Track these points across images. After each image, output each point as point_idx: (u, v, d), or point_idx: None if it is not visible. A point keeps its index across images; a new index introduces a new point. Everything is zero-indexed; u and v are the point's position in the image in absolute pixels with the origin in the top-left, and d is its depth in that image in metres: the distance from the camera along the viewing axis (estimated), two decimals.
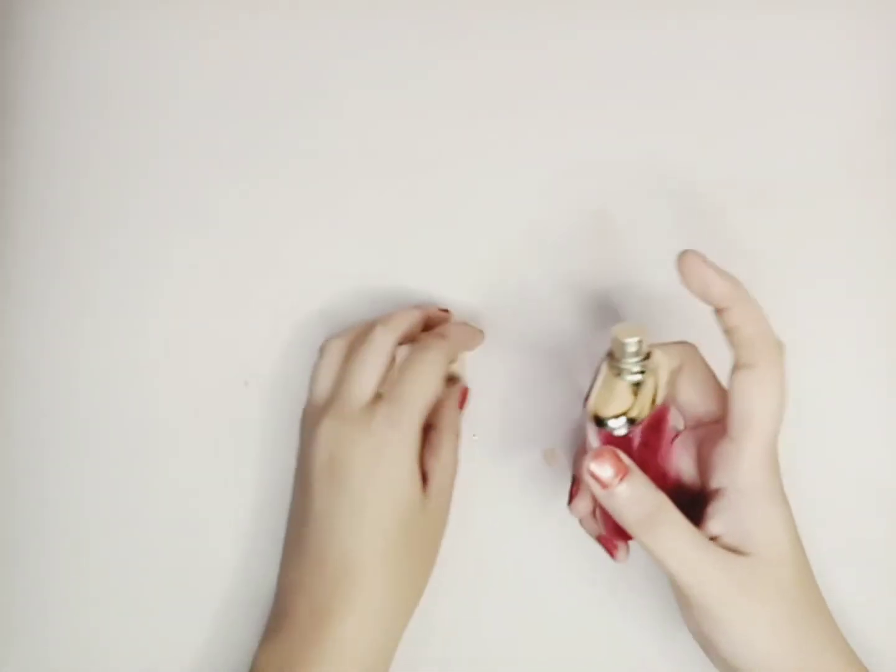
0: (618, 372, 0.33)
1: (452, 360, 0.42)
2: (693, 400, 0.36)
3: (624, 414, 0.32)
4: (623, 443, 0.33)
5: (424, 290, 0.47)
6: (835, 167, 0.48)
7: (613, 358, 0.33)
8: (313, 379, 0.42)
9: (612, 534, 0.38)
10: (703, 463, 0.36)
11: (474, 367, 0.46)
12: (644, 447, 0.34)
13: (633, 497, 0.32)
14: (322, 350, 0.42)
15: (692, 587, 0.33)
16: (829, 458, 0.45)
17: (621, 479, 0.32)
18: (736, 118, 0.49)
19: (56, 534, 0.45)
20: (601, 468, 0.32)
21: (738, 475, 0.33)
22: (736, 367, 0.33)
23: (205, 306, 0.47)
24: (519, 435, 0.44)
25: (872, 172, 0.48)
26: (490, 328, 0.46)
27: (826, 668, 0.34)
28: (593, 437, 0.34)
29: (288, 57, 0.49)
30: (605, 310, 0.46)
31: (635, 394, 0.33)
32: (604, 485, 0.32)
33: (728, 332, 0.34)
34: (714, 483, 0.34)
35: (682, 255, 0.33)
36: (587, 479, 0.33)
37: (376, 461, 0.37)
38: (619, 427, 0.32)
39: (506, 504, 0.45)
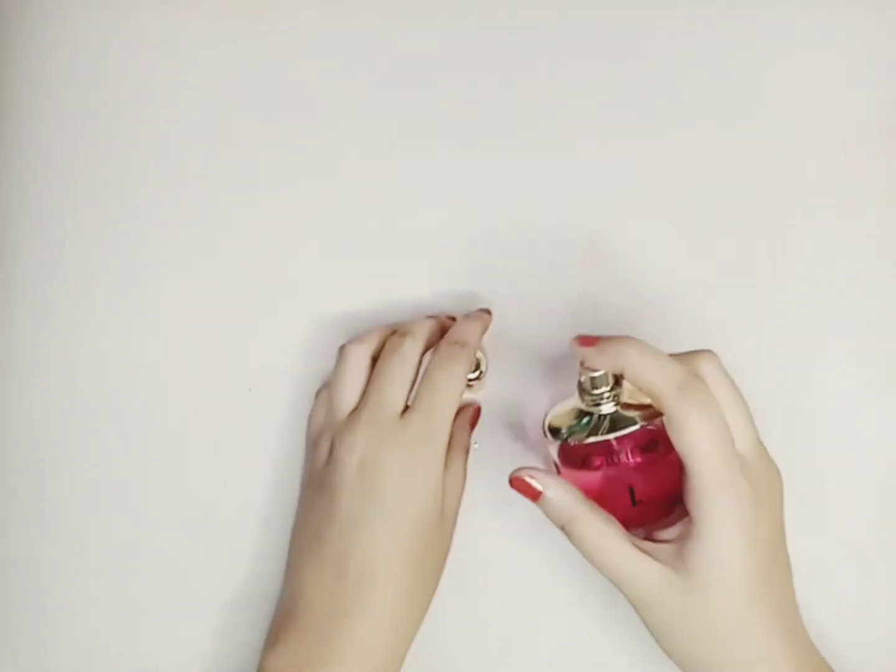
0: (580, 394, 0.38)
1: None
2: None
3: (567, 429, 0.38)
4: (575, 451, 0.38)
5: (426, 295, 0.47)
6: (835, 167, 0.49)
7: (581, 385, 0.38)
8: (336, 383, 0.41)
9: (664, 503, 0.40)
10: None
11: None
12: (641, 468, 0.38)
13: (551, 509, 0.37)
14: (343, 354, 0.42)
15: (625, 590, 0.36)
16: (829, 457, 0.46)
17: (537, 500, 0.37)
18: (736, 119, 0.49)
19: (58, 535, 0.45)
20: (522, 487, 0.38)
21: (688, 502, 0.35)
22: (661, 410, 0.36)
23: (208, 312, 0.47)
24: (519, 443, 0.44)
25: (872, 173, 0.49)
26: (491, 336, 0.46)
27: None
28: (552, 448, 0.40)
29: (290, 57, 0.50)
30: (606, 317, 0.46)
31: (584, 414, 0.38)
32: (531, 497, 0.38)
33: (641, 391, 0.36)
34: (685, 503, 0.36)
35: (572, 343, 0.38)
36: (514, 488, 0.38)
37: (408, 472, 0.38)
38: (560, 438, 0.38)
39: (506, 512, 0.45)
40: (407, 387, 0.40)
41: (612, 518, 0.37)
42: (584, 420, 0.38)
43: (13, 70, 0.49)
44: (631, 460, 0.38)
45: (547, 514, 0.37)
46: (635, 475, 0.38)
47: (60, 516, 0.45)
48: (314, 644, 0.37)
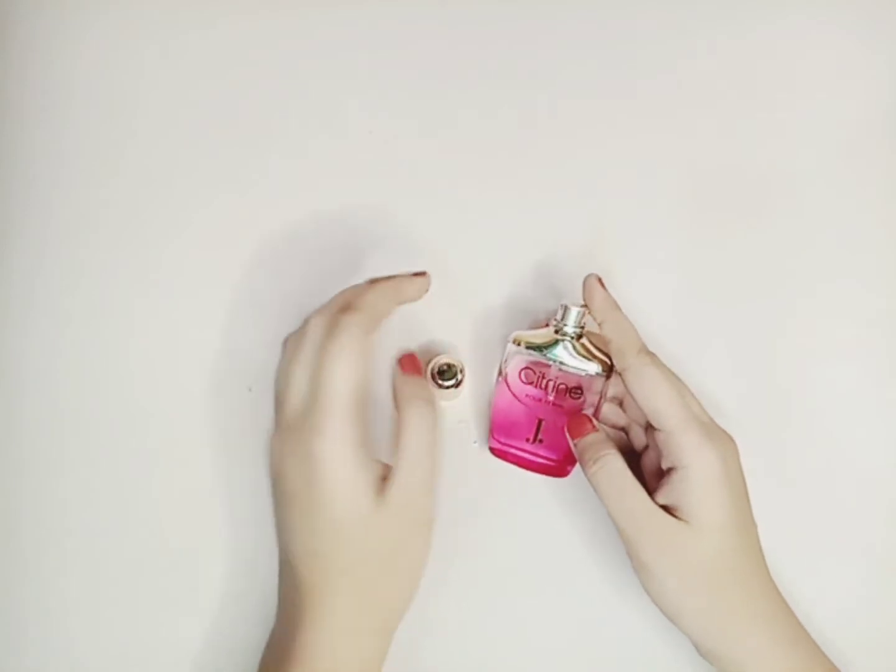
0: (555, 327, 0.41)
1: (373, 329, 0.38)
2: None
3: (531, 344, 0.41)
4: (519, 363, 0.42)
5: (427, 298, 0.46)
6: (835, 167, 0.49)
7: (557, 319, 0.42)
8: (284, 378, 0.39)
9: (564, 460, 0.44)
10: (660, 453, 0.40)
11: (475, 374, 0.46)
12: (555, 404, 0.42)
13: (587, 444, 0.39)
14: (283, 346, 0.40)
15: (628, 535, 0.38)
16: (830, 458, 0.46)
17: (585, 434, 0.40)
18: (736, 118, 0.49)
19: (58, 535, 0.45)
20: (577, 428, 0.40)
21: (675, 455, 0.38)
22: (621, 376, 0.39)
23: (208, 312, 0.47)
24: None
25: (872, 172, 0.49)
26: (492, 335, 0.46)
27: (749, 630, 0.37)
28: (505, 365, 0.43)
29: (293, 59, 0.50)
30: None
31: (552, 338, 0.41)
32: (573, 435, 0.40)
33: (607, 343, 0.40)
34: (665, 465, 0.39)
35: (587, 276, 0.41)
36: (568, 436, 0.40)
37: (309, 473, 0.35)
38: (518, 351, 0.42)
39: (506, 509, 0.45)
40: (305, 378, 0.37)
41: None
42: (543, 342, 0.41)
43: (14, 73, 0.49)
44: (553, 397, 0.42)
45: (584, 449, 0.39)
46: (549, 412, 0.42)
47: (60, 516, 0.45)
48: (277, 649, 0.38)
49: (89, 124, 0.49)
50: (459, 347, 0.46)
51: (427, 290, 0.41)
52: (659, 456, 0.41)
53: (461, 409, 0.46)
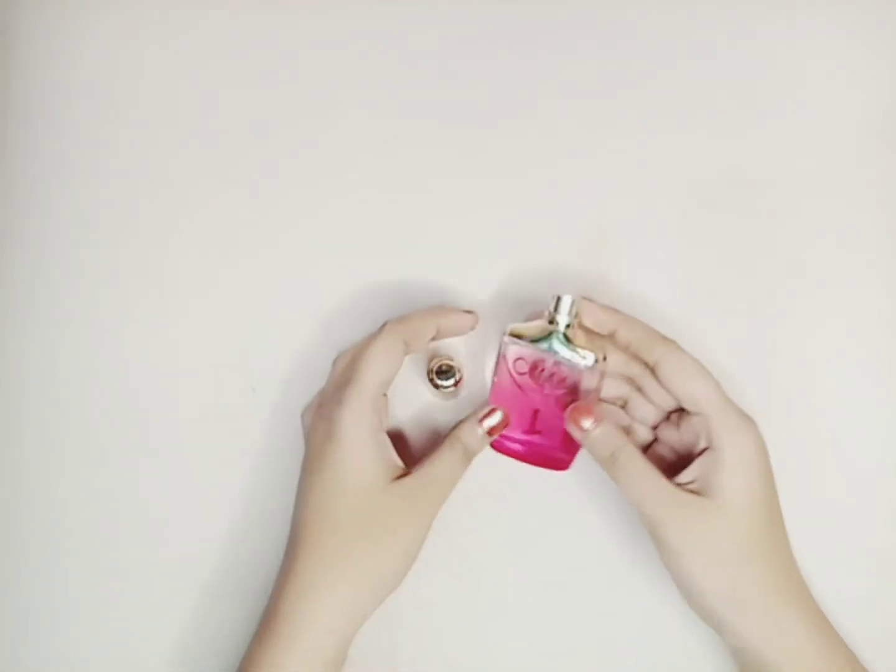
0: (549, 319, 0.42)
1: (414, 342, 0.42)
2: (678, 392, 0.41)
3: (525, 336, 0.41)
4: (514, 353, 0.42)
5: (426, 296, 0.47)
6: (835, 167, 0.49)
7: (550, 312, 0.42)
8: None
9: (562, 451, 0.43)
10: (691, 436, 0.41)
11: (479, 374, 0.46)
12: (551, 396, 0.42)
13: (599, 438, 0.40)
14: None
15: (652, 517, 0.38)
16: (829, 458, 0.46)
17: (596, 424, 0.40)
18: (736, 119, 0.49)
19: (57, 535, 0.45)
20: (583, 417, 0.40)
21: (710, 436, 0.39)
22: (653, 369, 0.41)
23: (212, 312, 0.47)
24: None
25: (872, 172, 0.49)
26: (493, 337, 0.46)
27: (775, 608, 0.38)
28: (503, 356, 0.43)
29: (292, 58, 0.50)
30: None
31: (546, 329, 0.41)
32: (581, 429, 0.40)
33: (626, 348, 0.42)
34: (697, 448, 0.41)
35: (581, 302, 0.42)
36: (569, 425, 0.41)
37: (326, 441, 0.39)
38: (513, 342, 0.42)
39: (505, 509, 0.45)
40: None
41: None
42: (538, 333, 0.41)
43: (15, 75, 0.50)
44: (549, 387, 0.42)
45: (595, 446, 0.40)
46: (545, 403, 0.42)
47: (61, 515, 0.45)
48: (265, 616, 0.39)
49: (90, 124, 0.49)
50: (459, 347, 0.47)
51: (473, 328, 0.44)
52: (673, 448, 0.42)
53: (461, 411, 0.45)
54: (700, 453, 0.40)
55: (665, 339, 0.41)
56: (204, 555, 0.45)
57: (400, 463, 0.40)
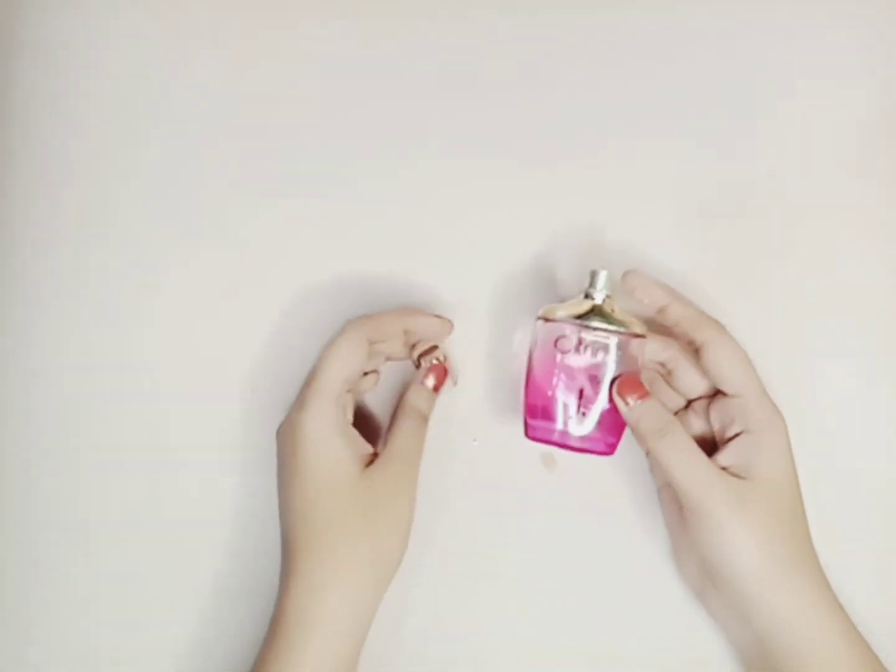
0: (586, 294, 0.41)
1: (379, 340, 0.43)
2: (720, 375, 0.42)
3: (562, 313, 0.41)
4: (555, 331, 0.41)
5: (426, 296, 0.48)
6: (835, 167, 0.49)
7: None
8: None
9: (606, 433, 0.42)
10: (724, 420, 0.42)
11: (477, 374, 0.47)
12: (593, 376, 0.41)
13: (648, 413, 0.40)
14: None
15: (696, 497, 0.39)
16: (829, 458, 0.46)
17: (641, 399, 0.40)
18: (736, 119, 0.49)
19: (56, 534, 0.46)
20: (631, 390, 0.40)
21: (747, 420, 0.40)
22: (699, 349, 0.41)
23: (211, 313, 0.48)
24: (518, 440, 0.44)
25: (872, 172, 0.49)
26: (493, 337, 0.47)
27: (802, 591, 0.39)
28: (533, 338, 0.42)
29: (296, 61, 0.50)
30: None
31: (588, 308, 0.41)
32: (627, 403, 0.40)
33: (674, 324, 0.42)
34: (731, 432, 0.41)
35: (627, 274, 0.42)
36: (616, 398, 0.40)
37: (292, 445, 0.40)
38: (549, 324, 0.41)
39: (505, 508, 0.45)
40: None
41: None
42: (576, 308, 0.41)
43: (16, 76, 0.50)
44: (596, 361, 0.41)
45: (642, 420, 0.40)
46: (589, 383, 0.41)
47: (63, 515, 0.46)
48: (276, 625, 0.39)
49: (97, 129, 0.49)
50: (459, 348, 0.47)
51: (448, 335, 0.44)
52: (696, 433, 0.43)
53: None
54: (732, 438, 0.41)
55: (715, 320, 0.42)
56: (206, 554, 0.45)
57: (371, 450, 0.41)
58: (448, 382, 0.45)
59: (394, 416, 0.43)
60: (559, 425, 0.41)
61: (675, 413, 0.44)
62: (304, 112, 0.50)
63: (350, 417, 0.42)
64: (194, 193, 0.49)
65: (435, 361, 0.44)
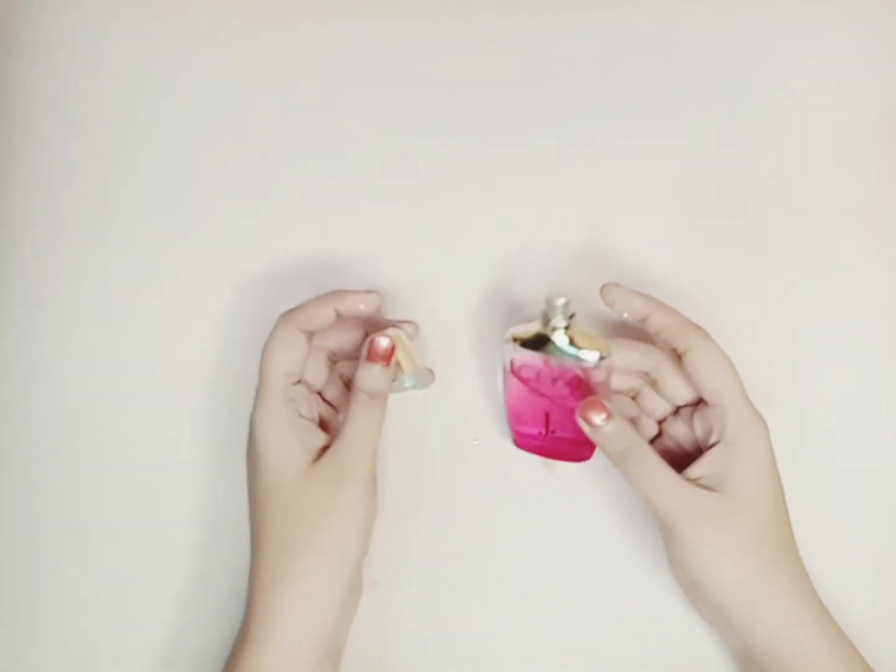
0: (545, 322, 0.41)
1: (313, 327, 0.42)
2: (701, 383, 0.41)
3: (525, 341, 0.41)
4: (517, 360, 0.42)
5: (426, 296, 0.47)
6: (835, 167, 0.49)
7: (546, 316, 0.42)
8: None
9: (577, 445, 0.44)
10: (705, 429, 0.41)
11: (478, 376, 0.47)
12: (561, 396, 0.42)
13: (612, 434, 0.40)
14: None
15: (665, 512, 0.39)
16: (828, 458, 0.46)
17: (605, 420, 0.39)
18: (736, 119, 0.49)
19: (56, 534, 0.46)
20: (593, 413, 0.40)
21: (724, 430, 0.40)
22: (681, 356, 0.41)
23: (210, 312, 0.48)
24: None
25: (872, 172, 0.49)
26: (493, 336, 0.47)
27: (785, 601, 0.38)
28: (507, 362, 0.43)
29: (296, 61, 0.50)
30: (604, 316, 0.47)
31: (544, 334, 0.41)
32: (591, 425, 0.40)
33: (657, 333, 0.41)
34: (709, 441, 0.41)
35: (605, 287, 0.41)
36: (580, 421, 0.40)
37: (250, 444, 0.41)
38: (515, 349, 0.42)
39: (506, 509, 0.45)
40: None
41: None
42: (536, 338, 0.41)
43: (16, 72, 0.50)
44: (556, 390, 0.42)
45: (606, 442, 0.40)
46: (555, 405, 0.42)
47: (63, 514, 0.46)
48: (245, 621, 0.39)
49: (97, 129, 0.49)
50: (460, 348, 0.47)
51: (379, 307, 0.43)
52: (678, 442, 0.43)
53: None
54: (710, 447, 0.40)
55: (697, 327, 0.41)
56: (206, 555, 0.45)
57: (326, 440, 0.41)
58: (396, 355, 0.41)
59: (348, 408, 0.41)
60: (537, 437, 0.44)
61: (664, 420, 0.44)
62: (303, 112, 0.50)
63: (307, 410, 0.42)
64: (194, 193, 0.49)
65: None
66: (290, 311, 0.42)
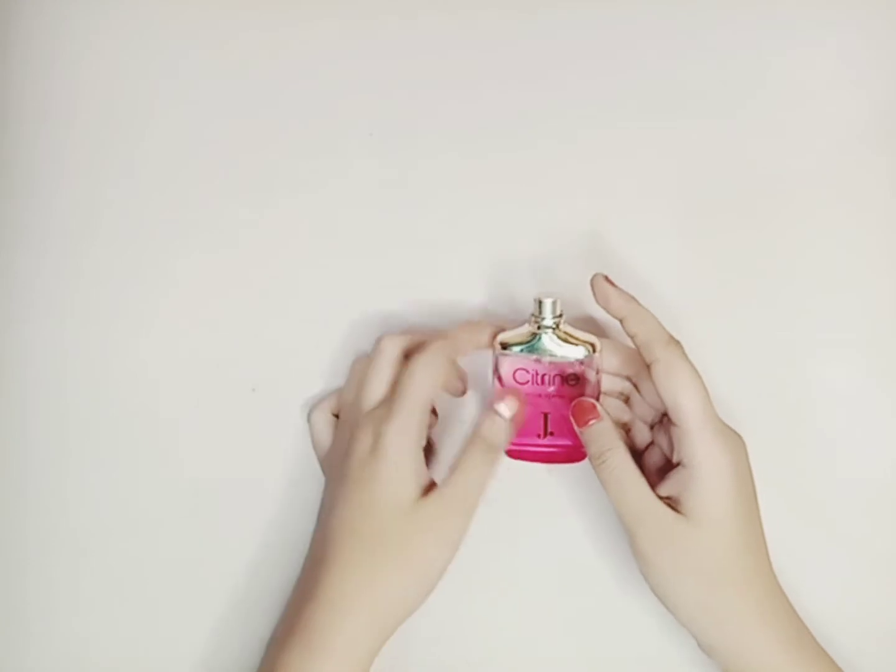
0: (534, 323, 0.42)
1: (456, 357, 0.43)
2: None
3: (515, 344, 0.42)
4: (511, 364, 0.42)
5: (426, 297, 0.47)
6: (835, 167, 0.49)
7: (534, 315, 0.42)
8: (362, 380, 0.42)
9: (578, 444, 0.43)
10: (668, 446, 0.41)
11: (479, 378, 0.46)
12: (556, 396, 0.43)
13: (595, 436, 0.40)
14: (378, 346, 0.43)
15: (625, 521, 0.39)
16: (827, 458, 0.46)
17: (593, 421, 0.40)
18: (736, 118, 0.49)
19: (58, 535, 0.46)
20: (583, 411, 0.40)
21: (684, 453, 0.39)
22: (648, 367, 0.40)
23: (212, 312, 0.48)
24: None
25: (872, 172, 0.49)
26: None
27: (752, 626, 0.38)
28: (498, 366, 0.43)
29: (295, 61, 0.50)
30: (603, 315, 0.46)
31: (534, 334, 0.42)
32: (581, 424, 0.40)
33: (631, 338, 0.40)
34: (675, 458, 0.40)
35: (594, 277, 0.41)
36: (573, 422, 0.41)
37: (369, 454, 0.39)
38: (505, 353, 0.42)
39: (505, 507, 0.45)
40: (385, 381, 0.42)
41: None
42: (526, 339, 0.42)
43: (15, 72, 0.50)
44: (551, 387, 0.42)
45: (587, 443, 0.40)
46: (552, 405, 0.43)
47: (64, 516, 0.46)
48: (288, 623, 0.39)
49: (95, 129, 0.49)
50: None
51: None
52: (664, 452, 0.42)
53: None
54: (675, 466, 0.40)
55: (669, 341, 0.39)
56: (206, 555, 0.45)
57: (429, 477, 0.40)
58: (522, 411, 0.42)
59: (466, 445, 0.41)
60: (531, 443, 0.43)
61: (651, 427, 0.43)
62: (303, 112, 0.49)
63: (424, 441, 0.41)
64: (193, 193, 0.49)
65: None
66: (443, 339, 0.41)
